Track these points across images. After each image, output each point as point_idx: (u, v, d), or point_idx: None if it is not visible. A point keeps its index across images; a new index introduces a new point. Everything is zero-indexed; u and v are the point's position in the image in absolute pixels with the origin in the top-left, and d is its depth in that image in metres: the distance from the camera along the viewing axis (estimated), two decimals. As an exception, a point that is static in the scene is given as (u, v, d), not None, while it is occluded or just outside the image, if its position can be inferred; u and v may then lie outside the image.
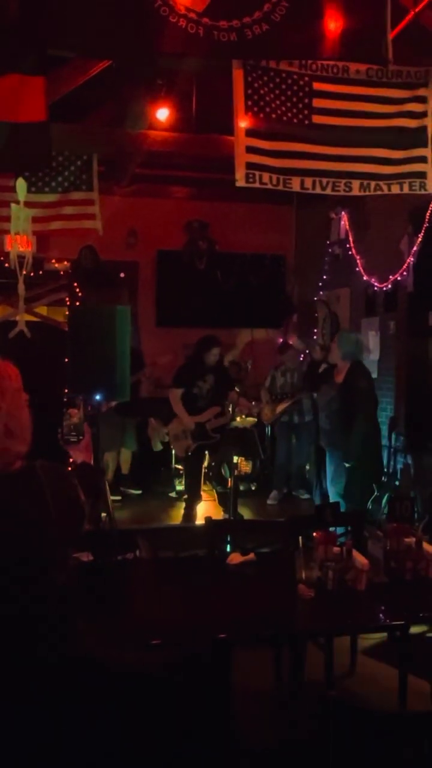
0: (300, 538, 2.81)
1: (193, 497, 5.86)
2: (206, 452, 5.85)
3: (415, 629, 3.53)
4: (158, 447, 6.79)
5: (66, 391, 4.25)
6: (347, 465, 4.71)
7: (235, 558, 3.00)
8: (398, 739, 2.11)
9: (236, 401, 5.77)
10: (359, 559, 2.76)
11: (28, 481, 1.78)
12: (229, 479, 5.39)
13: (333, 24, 3.78)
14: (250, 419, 6.72)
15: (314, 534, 2.83)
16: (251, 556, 3.01)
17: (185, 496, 5.99)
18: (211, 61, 3.97)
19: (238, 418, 6.49)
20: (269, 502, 6.35)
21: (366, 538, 3.03)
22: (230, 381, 5.96)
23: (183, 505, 5.93)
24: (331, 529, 3.03)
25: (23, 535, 1.76)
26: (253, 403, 6.67)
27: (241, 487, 6.71)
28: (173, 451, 6.77)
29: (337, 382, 4.82)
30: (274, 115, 4.28)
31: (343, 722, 1.98)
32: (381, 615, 2.69)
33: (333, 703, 1.93)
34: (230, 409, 5.57)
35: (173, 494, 6.67)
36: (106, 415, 6.10)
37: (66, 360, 4.61)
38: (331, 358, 4.95)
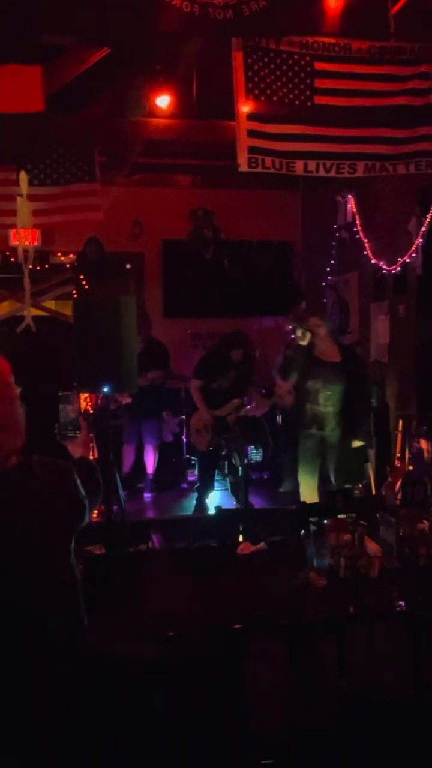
0: (311, 525, 2.78)
1: (205, 488, 5.84)
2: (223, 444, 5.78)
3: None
4: (169, 438, 6.76)
5: (74, 384, 4.23)
6: (358, 444, 4.69)
7: (246, 548, 2.98)
8: (410, 728, 2.08)
9: (254, 397, 5.69)
10: (371, 545, 2.72)
11: (25, 477, 1.75)
12: (240, 468, 5.35)
13: (333, 0, 3.70)
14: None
15: (325, 521, 2.80)
16: (262, 545, 2.98)
17: (197, 486, 5.97)
18: (207, 40, 3.90)
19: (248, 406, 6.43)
20: (282, 490, 6.29)
21: (378, 523, 2.98)
22: (251, 377, 5.82)
23: (195, 495, 5.91)
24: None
25: (22, 531, 1.73)
26: (263, 391, 6.61)
27: (253, 476, 6.68)
28: (184, 442, 6.75)
29: (333, 362, 4.75)
30: (275, 98, 4.21)
31: (356, 712, 1.96)
32: (394, 602, 2.65)
33: (345, 693, 1.90)
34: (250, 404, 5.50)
35: (185, 485, 6.65)
36: (125, 408, 6.08)
37: (72, 353, 4.58)
38: (319, 333, 4.86)
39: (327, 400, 4.72)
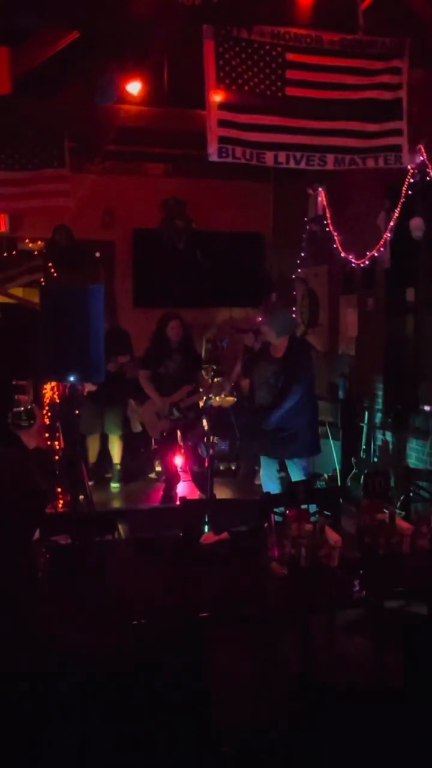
0: (273, 516, 2.80)
1: (170, 477, 5.83)
2: (179, 431, 5.78)
3: (391, 603, 3.54)
4: (138, 428, 6.73)
5: (31, 373, 4.16)
6: (281, 435, 4.68)
7: (209, 537, 2.98)
8: (371, 717, 2.12)
9: (203, 383, 5.72)
10: (332, 535, 2.75)
11: None
12: (206, 458, 5.35)
13: (304, -9, 3.70)
14: (230, 399, 6.68)
15: (286, 511, 2.82)
16: (224, 535, 2.99)
17: (164, 477, 5.96)
18: (177, 26, 3.86)
19: (217, 398, 6.43)
20: (257, 482, 6.24)
21: (340, 514, 3.02)
22: (198, 361, 5.87)
23: (163, 486, 5.90)
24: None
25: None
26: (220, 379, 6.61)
27: (222, 467, 6.69)
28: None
29: (276, 357, 4.78)
30: (246, 87, 4.20)
31: (316, 701, 1.98)
32: (354, 591, 2.69)
33: (305, 681, 1.92)
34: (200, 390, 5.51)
35: (153, 475, 6.64)
36: (85, 398, 6.02)
37: (38, 341, 4.52)
38: (267, 337, 4.89)
39: (268, 395, 4.73)
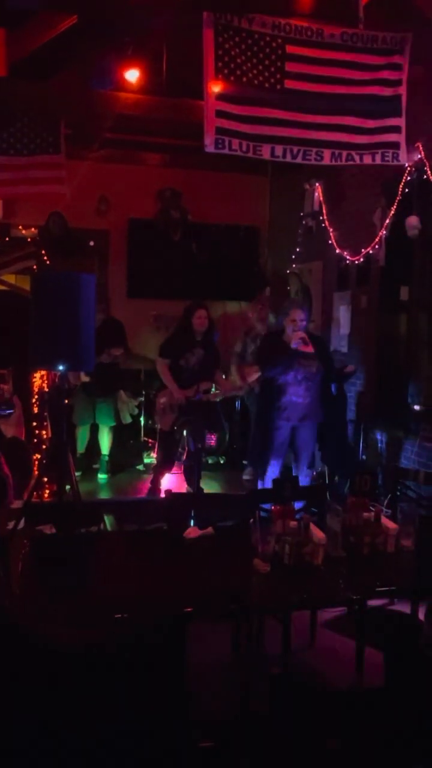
0: (258, 512, 2.78)
1: (163, 470, 5.79)
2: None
3: (374, 602, 3.54)
4: (127, 419, 6.70)
5: (11, 362, 4.12)
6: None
7: (193, 532, 2.96)
8: (350, 714, 2.11)
9: (219, 382, 5.65)
10: (316, 533, 2.73)
11: None
12: (194, 451, 5.33)
13: (306, -18, 3.66)
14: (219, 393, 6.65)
15: (272, 508, 2.80)
16: (209, 530, 2.97)
17: (155, 467, 5.93)
18: (176, 13, 3.82)
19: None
20: (245, 477, 6.23)
21: (326, 511, 3.00)
22: (218, 357, 5.73)
23: (150, 477, 5.87)
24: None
25: None
26: (224, 377, 6.58)
27: (210, 461, 6.67)
28: (142, 424, 6.70)
29: (310, 352, 4.75)
30: (245, 78, 4.16)
31: (289, 697, 1.97)
32: (338, 589, 2.67)
33: (277, 678, 1.90)
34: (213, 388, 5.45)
35: (141, 467, 6.62)
36: (81, 387, 5.98)
37: (28, 329, 4.47)
38: (300, 329, 4.84)
39: (307, 391, 4.72)
